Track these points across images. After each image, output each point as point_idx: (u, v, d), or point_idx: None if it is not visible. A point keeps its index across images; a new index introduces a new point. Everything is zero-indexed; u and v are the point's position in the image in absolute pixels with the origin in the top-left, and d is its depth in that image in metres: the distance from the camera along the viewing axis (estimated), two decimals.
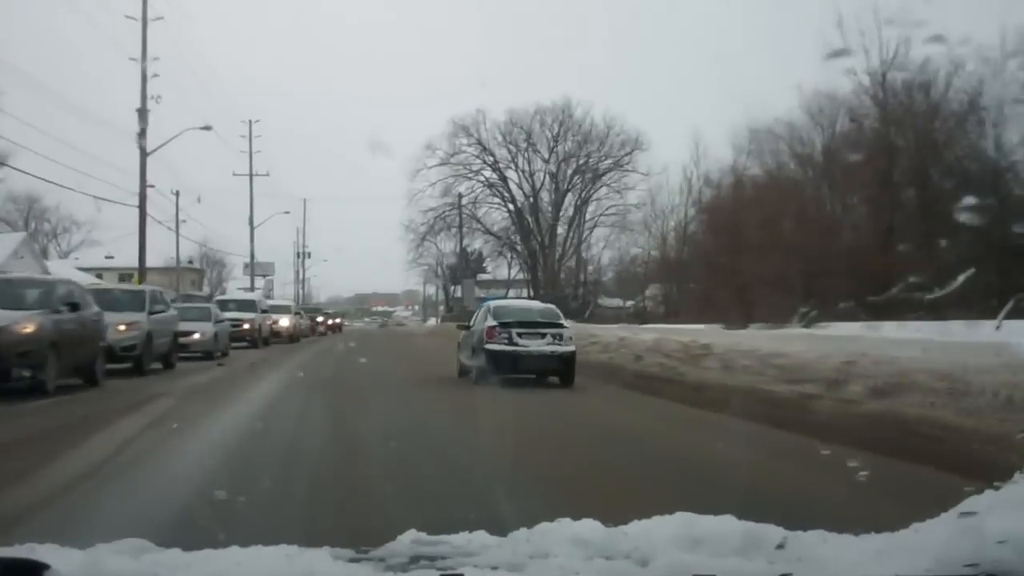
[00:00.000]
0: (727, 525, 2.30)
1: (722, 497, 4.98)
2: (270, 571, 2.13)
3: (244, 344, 30.77)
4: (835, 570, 2.07)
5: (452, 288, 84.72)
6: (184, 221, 53.01)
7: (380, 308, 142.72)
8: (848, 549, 2.25)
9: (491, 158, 73.39)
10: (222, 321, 28.12)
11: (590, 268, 74.06)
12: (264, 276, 74.63)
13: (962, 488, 2.43)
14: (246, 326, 31.65)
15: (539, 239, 72.90)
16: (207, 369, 20.06)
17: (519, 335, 16.61)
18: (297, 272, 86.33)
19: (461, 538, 2.37)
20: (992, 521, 2.05)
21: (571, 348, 16.80)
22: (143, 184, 36.44)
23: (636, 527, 2.36)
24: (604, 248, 73.10)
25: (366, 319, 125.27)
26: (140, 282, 33.90)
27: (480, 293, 68.35)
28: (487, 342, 16.39)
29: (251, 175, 58.77)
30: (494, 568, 2.15)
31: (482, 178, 74.94)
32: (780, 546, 2.23)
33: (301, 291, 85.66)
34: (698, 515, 2.36)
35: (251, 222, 60.10)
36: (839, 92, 36.55)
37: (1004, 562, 1.94)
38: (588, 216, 73.02)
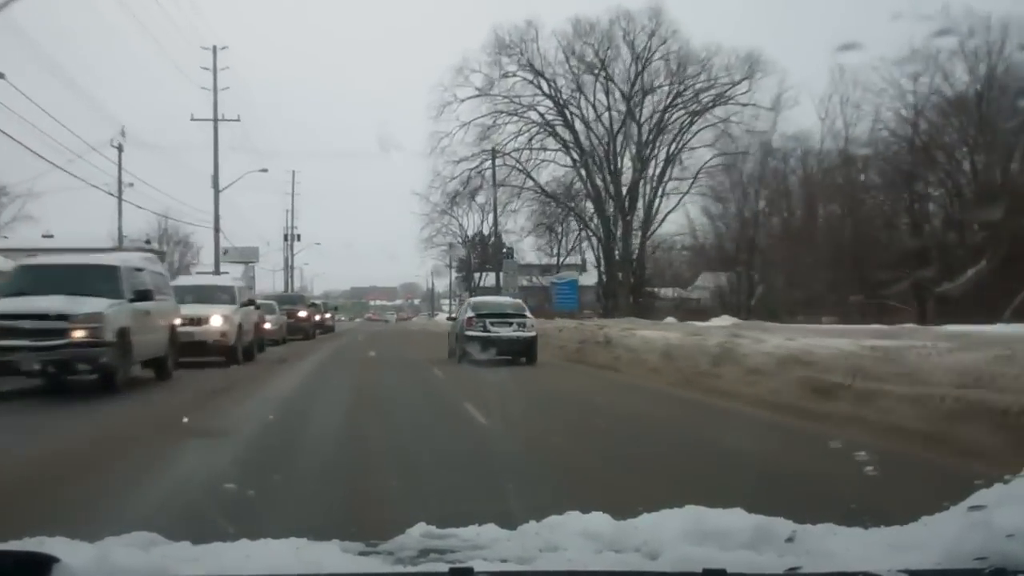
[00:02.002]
0: (737, 519, 2.30)
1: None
2: (279, 564, 2.13)
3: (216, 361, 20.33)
4: (844, 563, 2.07)
5: (478, 276, 67.06)
6: (130, 185, 40.55)
7: (378, 302, 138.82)
8: (857, 542, 2.26)
9: (546, 86, 51.93)
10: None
11: (665, 246, 55.61)
12: (246, 263, 63.40)
13: None
14: (216, 325, 20.92)
15: (618, 201, 51.88)
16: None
17: (491, 323, 21.42)
18: (285, 259, 72.58)
19: (470, 531, 2.38)
20: (1001, 515, 2.05)
21: (533, 333, 21.88)
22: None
23: (646, 520, 2.36)
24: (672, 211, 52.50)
25: (367, 315, 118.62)
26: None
27: (523, 281, 55.41)
28: (466, 329, 21.33)
29: (215, 119, 43.02)
30: (504, 561, 2.15)
31: (534, 116, 52.96)
32: (789, 539, 2.24)
33: (289, 279, 72.94)
34: (708, 509, 2.37)
35: (215, 182, 43.48)
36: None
37: (1013, 556, 1.94)
38: (674, 175, 52.65)
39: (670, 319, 33.77)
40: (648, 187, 52.40)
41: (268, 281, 70.84)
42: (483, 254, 65.68)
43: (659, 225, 52.80)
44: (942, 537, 2.11)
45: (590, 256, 61.28)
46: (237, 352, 21.01)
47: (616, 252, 52.56)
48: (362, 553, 2.23)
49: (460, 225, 68.10)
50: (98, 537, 2.23)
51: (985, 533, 2.01)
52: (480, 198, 56.35)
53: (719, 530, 2.23)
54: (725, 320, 29.10)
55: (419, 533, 2.38)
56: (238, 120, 44.12)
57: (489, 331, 21.04)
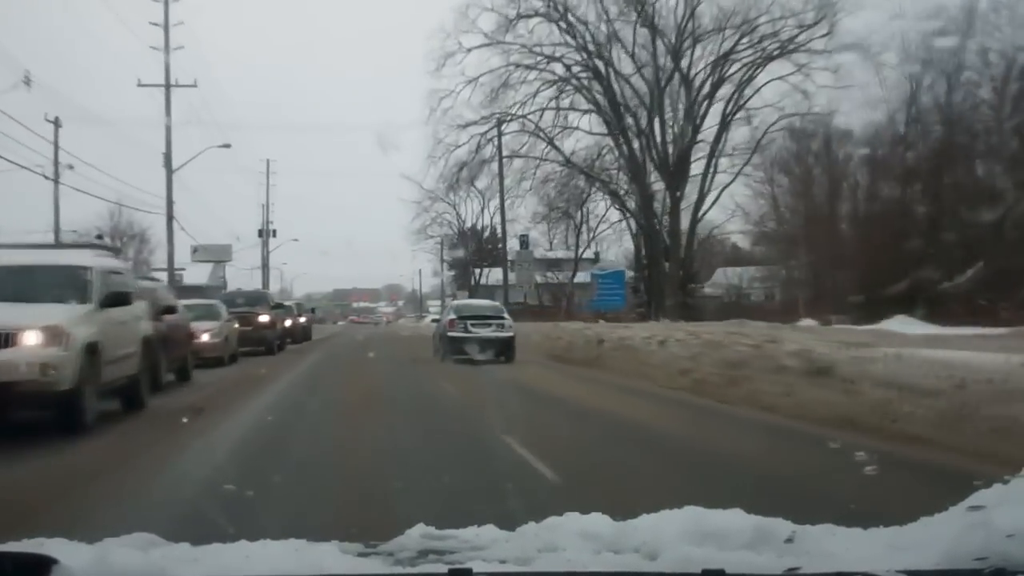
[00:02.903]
0: (736, 519, 2.30)
1: None
2: (279, 565, 2.13)
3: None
4: (843, 563, 2.07)
5: (478, 273, 61.38)
6: (69, 167, 35.60)
7: (361, 304, 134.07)
8: (857, 543, 2.26)
9: (574, 32, 40.69)
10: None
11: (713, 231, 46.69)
12: (216, 261, 58.86)
13: None
14: (29, 349, 9.86)
15: (664, 172, 40.51)
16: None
17: (472, 325, 23.20)
18: (263, 257, 64.76)
19: (469, 532, 2.38)
20: (1001, 515, 2.05)
21: (510, 333, 23.39)
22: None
23: (645, 521, 2.37)
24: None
25: (351, 317, 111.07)
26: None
27: (539, 278, 51.45)
28: (449, 330, 23.26)
29: (167, 84, 35.30)
30: (503, 562, 2.16)
31: (557, 70, 41.97)
32: (789, 540, 2.24)
33: (266, 278, 65.55)
34: (707, 509, 2.37)
35: (168, 161, 35.70)
36: None
37: (1013, 556, 1.94)
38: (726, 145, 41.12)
39: (758, 323, 26.80)
40: (696, 157, 41.06)
41: (244, 282, 62.97)
42: (481, 249, 60.95)
43: (713, 204, 42.21)
44: (942, 537, 2.10)
45: (611, 249, 54.33)
46: (79, 404, 9.84)
47: (660, 239, 40.99)
48: (361, 554, 2.24)
49: (457, 214, 60.18)
50: (97, 539, 2.23)
51: (985, 533, 2.01)
52: (482, 182, 48.51)
53: (718, 531, 2.23)
54: (809, 323, 25.70)
55: (418, 534, 2.39)
56: (194, 86, 36.21)
57: (470, 331, 22.89)
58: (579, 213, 50.40)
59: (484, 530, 2.39)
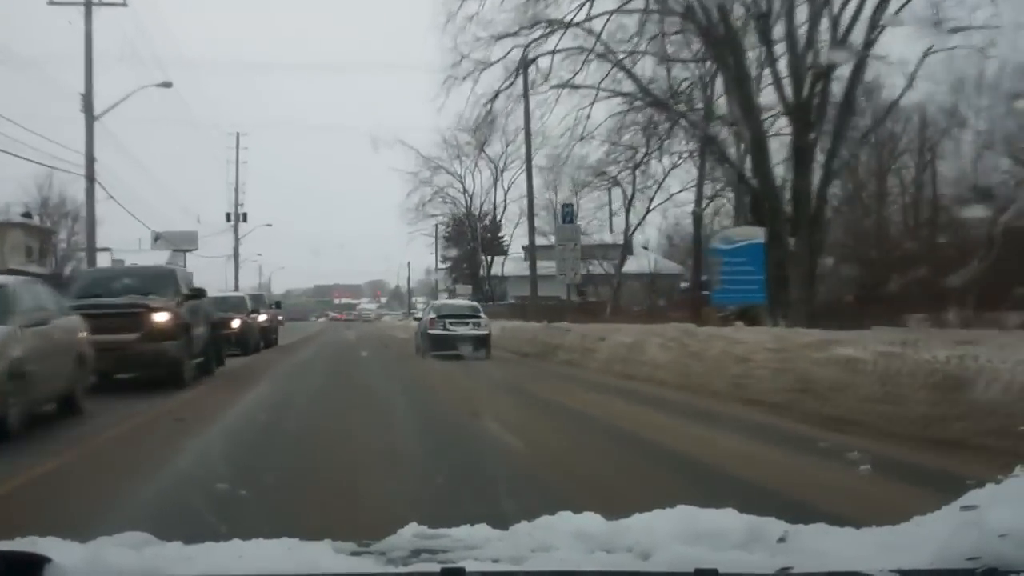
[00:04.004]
0: (729, 519, 2.31)
1: None
2: (272, 564, 2.14)
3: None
4: (836, 563, 2.07)
5: (488, 262, 52.29)
6: None
7: (343, 301, 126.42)
8: (849, 542, 2.26)
9: None
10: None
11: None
12: (175, 250, 51.67)
13: None
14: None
15: (798, 97, 24.97)
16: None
17: (450, 323, 25.44)
18: (235, 245, 57.81)
19: (462, 531, 2.39)
20: (994, 515, 2.05)
21: (487, 331, 25.66)
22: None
23: (638, 520, 2.37)
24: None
25: (332, 314, 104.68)
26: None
27: (586, 269, 38.26)
28: (429, 329, 25.55)
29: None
30: (495, 561, 2.16)
31: None
32: (781, 539, 2.25)
33: (238, 268, 58.28)
34: (700, 509, 2.37)
35: (87, 104, 28.13)
36: None
37: (1006, 556, 1.94)
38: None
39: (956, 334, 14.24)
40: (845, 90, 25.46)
41: (217, 274, 55.30)
42: (490, 236, 51.70)
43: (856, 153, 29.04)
44: (934, 537, 2.10)
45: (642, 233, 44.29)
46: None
47: (779, 206, 26.14)
48: (354, 553, 2.25)
49: (463, 187, 50.70)
50: (90, 537, 2.23)
51: (978, 533, 2.01)
52: (493, 147, 39.33)
53: (711, 530, 2.23)
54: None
55: (411, 533, 2.39)
56: (123, 4, 28.31)
57: (449, 329, 25.23)
58: (632, 177, 37.47)
59: (477, 529, 2.40)
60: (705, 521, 2.29)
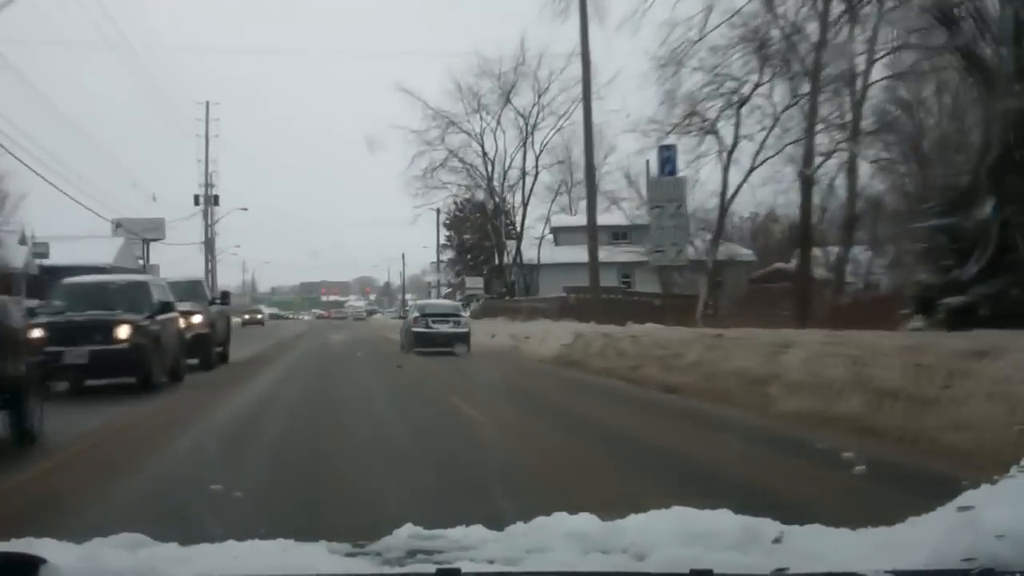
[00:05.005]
0: (724, 520, 2.30)
1: None
2: (267, 565, 2.14)
3: None
4: (832, 564, 2.07)
5: (513, 249, 44.12)
6: None
7: (331, 298, 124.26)
8: (845, 543, 2.26)
9: None
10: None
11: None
12: (134, 237, 45.62)
13: None
14: None
15: None
16: None
17: (432, 321, 27.31)
18: (205, 231, 50.94)
19: (458, 532, 2.39)
20: (990, 515, 2.04)
21: (466, 329, 27.72)
22: None
23: (633, 521, 2.37)
24: None
25: (320, 312, 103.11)
26: None
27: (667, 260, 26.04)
28: (413, 327, 27.58)
29: None
30: (491, 562, 2.16)
31: None
32: (777, 540, 2.24)
33: (209, 258, 51.49)
34: (695, 510, 2.37)
35: None
36: None
37: (1002, 557, 1.93)
38: None
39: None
40: None
41: (191, 267, 47.95)
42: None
43: None
44: (930, 538, 2.10)
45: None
46: None
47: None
48: (350, 554, 2.25)
49: (483, 150, 41.55)
50: (86, 538, 2.23)
51: (974, 534, 2.00)
52: (521, 96, 34.25)
53: (707, 531, 2.23)
54: None
55: (407, 534, 2.40)
56: None
57: (431, 327, 27.08)
58: (736, 118, 27.62)
59: (472, 530, 2.40)
60: (701, 522, 2.28)
